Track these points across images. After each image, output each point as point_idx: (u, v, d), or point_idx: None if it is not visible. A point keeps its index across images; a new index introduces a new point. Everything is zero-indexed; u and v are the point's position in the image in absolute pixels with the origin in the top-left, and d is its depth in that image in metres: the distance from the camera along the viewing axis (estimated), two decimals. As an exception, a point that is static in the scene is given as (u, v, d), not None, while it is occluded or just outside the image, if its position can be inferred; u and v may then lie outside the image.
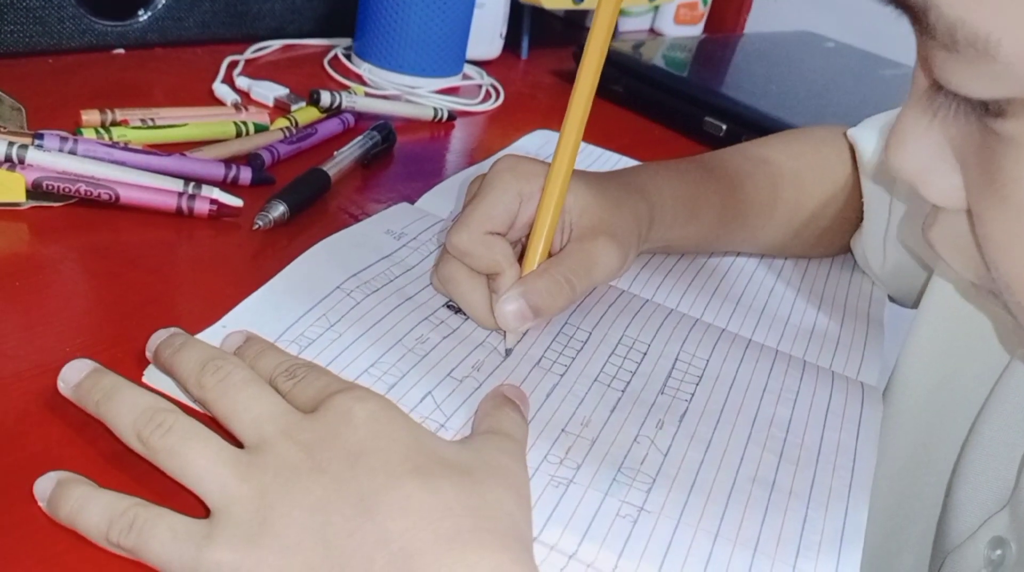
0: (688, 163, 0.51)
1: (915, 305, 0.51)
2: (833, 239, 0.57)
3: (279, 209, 0.46)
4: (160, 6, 0.66)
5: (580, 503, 0.33)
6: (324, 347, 0.38)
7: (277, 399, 0.31)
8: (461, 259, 0.40)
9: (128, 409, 0.30)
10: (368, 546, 0.27)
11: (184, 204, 0.45)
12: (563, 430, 0.37)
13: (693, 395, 0.41)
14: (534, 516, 0.32)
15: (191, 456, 0.28)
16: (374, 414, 0.30)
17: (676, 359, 0.43)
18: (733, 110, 0.74)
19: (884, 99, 0.90)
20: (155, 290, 0.41)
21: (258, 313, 0.39)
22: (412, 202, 0.52)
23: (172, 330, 0.35)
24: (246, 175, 0.50)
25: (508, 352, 0.41)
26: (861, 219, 0.55)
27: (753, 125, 0.73)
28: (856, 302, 0.55)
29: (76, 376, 0.32)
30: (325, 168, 0.51)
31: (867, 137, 0.54)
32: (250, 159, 0.52)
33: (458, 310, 0.43)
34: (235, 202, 0.46)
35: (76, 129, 0.50)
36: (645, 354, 0.43)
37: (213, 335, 0.37)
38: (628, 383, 0.41)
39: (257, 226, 0.45)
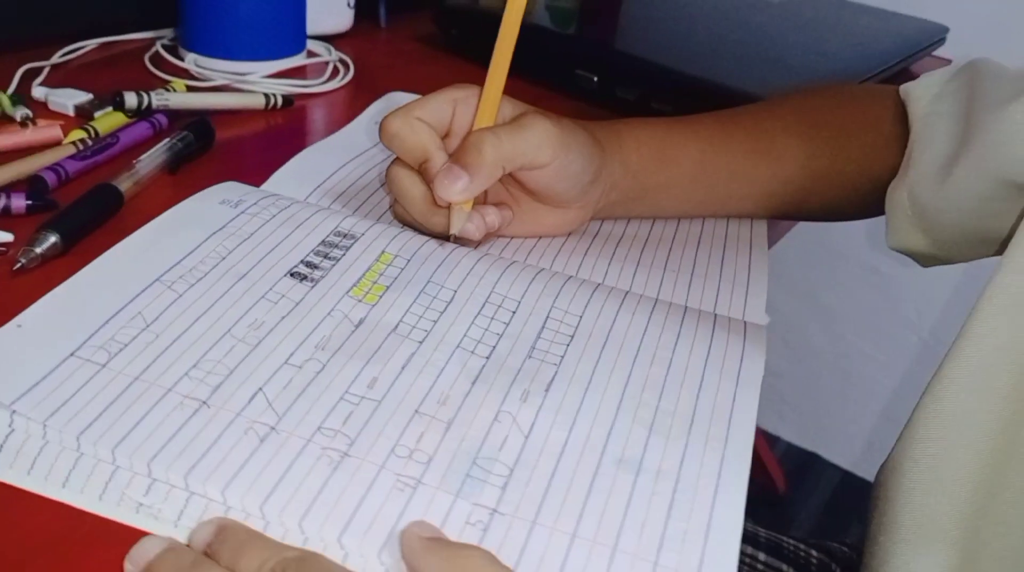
0: (668, 120, 0.50)
1: (1000, 249, 0.44)
2: (852, 197, 0.54)
3: (49, 240, 0.40)
4: (-61, 15, 0.59)
5: (428, 509, 0.29)
6: (139, 352, 0.33)
7: None
8: (391, 143, 0.42)
9: None
10: None
11: (-70, 249, 0.39)
12: (417, 411, 0.33)
13: (563, 357, 0.37)
14: (374, 531, 0.28)
15: None
16: None
17: (548, 317, 0.39)
18: (605, 59, 0.69)
19: (771, 30, 0.85)
20: None
21: (60, 313, 0.35)
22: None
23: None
24: (19, 203, 0.43)
25: (454, 238, 0.43)
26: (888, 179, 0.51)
27: (628, 72, 0.67)
28: (737, 233, 0.51)
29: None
30: (116, 182, 0.45)
31: (922, 88, 0.52)
32: (30, 184, 0.45)
33: (304, 277, 0.38)
34: (1, 238, 0.40)
35: None
36: (515, 313, 0.39)
37: (6, 340, 0.33)
38: (494, 348, 0.37)
39: (19, 265, 0.39)
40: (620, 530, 0.30)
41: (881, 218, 0.53)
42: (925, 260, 0.53)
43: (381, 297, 0.38)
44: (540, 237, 0.48)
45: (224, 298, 0.37)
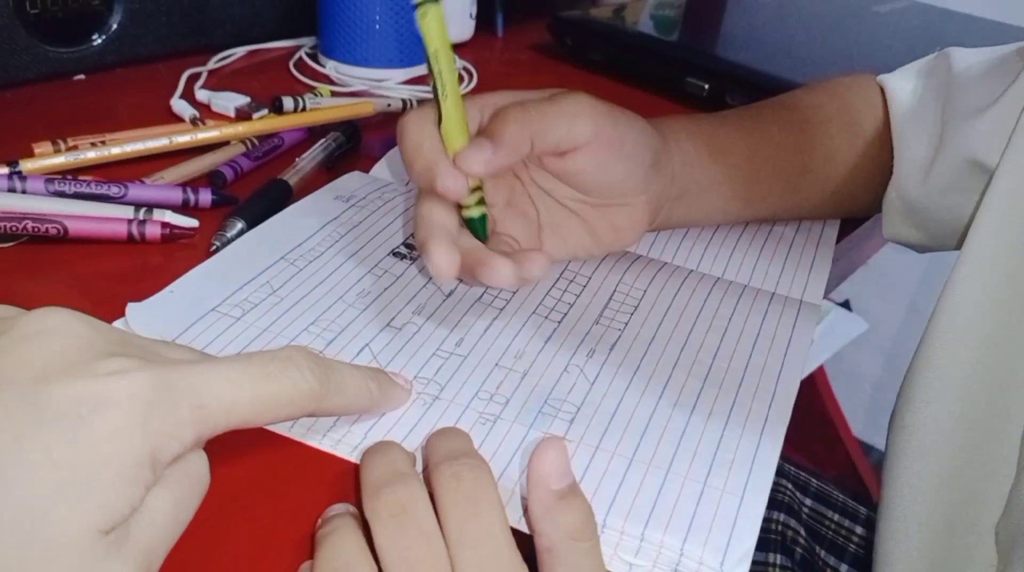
0: (707, 115, 0.50)
1: (958, 245, 0.46)
2: (862, 194, 0.55)
3: (236, 226, 0.45)
4: (114, 28, 0.65)
5: (505, 437, 0.35)
6: (265, 311, 0.40)
7: None
8: (401, 141, 0.37)
9: None
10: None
11: (135, 230, 0.44)
12: (496, 365, 0.38)
13: (627, 324, 0.42)
14: None
15: None
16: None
17: (615, 290, 0.44)
18: (715, 67, 0.72)
19: (878, 38, 0.87)
20: (110, 320, 0.40)
21: (206, 280, 0.41)
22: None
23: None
24: (205, 198, 0.48)
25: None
26: (890, 174, 0.53)
27: (739, 81, 0.70)
28: (809, 226, 0.54)
29: None
30: (286, 177, 0.50)
31: (901, 81, 0.53)
32: (211, 178, 0.50)
33: (403, 256, 0.44)
34: (189, 223, 0.45)
35: (8, 161, 0.48)
36: (585, 286, 0.44)
37: (160, 302, 0.39)
38: (565, 314, 0.42)
39: (215, 247, 0.44)
40: (674, 457, 0.34)
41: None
42: (920, 249, 0.55)
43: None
44: (602, 255, 0.46)
45: (337, 272, 0.43)
